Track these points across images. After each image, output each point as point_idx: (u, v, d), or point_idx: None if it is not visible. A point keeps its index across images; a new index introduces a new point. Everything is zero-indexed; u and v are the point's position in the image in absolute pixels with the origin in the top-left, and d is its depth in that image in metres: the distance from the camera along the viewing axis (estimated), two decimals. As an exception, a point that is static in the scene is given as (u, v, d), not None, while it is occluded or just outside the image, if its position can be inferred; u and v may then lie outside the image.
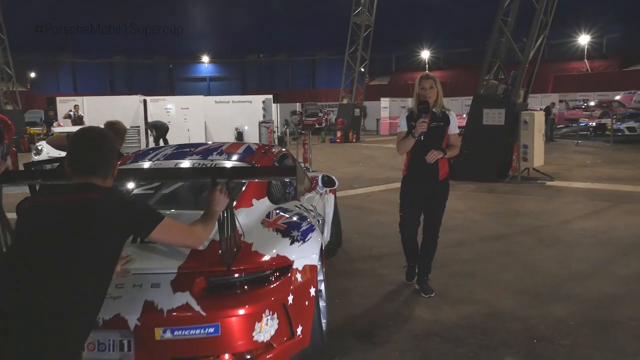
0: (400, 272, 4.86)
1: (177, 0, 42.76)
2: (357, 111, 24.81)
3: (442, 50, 47.18)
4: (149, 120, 19.00)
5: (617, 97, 26.89)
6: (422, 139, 4.14)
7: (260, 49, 52.06)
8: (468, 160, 10.77)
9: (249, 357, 2.71)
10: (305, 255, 3.12)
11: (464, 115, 16.40)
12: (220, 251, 2.73)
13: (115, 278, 2.43)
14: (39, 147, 14.09)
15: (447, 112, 4.29)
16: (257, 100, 22.84)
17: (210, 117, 21.12)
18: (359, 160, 16.07)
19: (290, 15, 43.53)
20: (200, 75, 54.17)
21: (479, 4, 25.72)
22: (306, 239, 3.22)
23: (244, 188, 3.45)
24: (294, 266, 2.99)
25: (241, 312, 2.67)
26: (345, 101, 25.15)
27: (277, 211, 3.47)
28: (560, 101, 28.33)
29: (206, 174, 2.98)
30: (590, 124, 22.69)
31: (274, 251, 2.96)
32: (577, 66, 38.66)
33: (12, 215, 2.61)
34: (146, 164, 3.95)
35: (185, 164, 3.89)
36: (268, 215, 3.35)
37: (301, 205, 3.93)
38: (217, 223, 2.62)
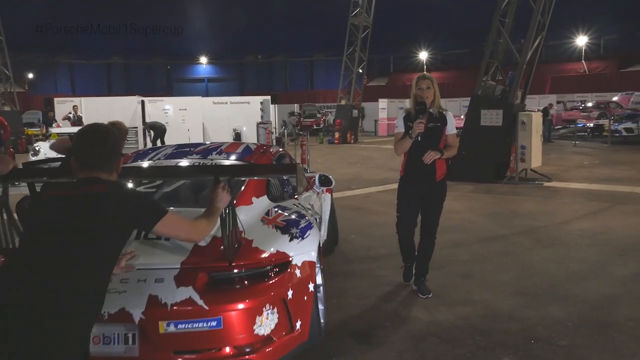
0: (397, 273, 4.86)
1: (175, 1, 42.71)
2: (355, 112, 24.83)
3: (440, 52, 47.22)
4: (147, 121, 18.99)
5: (615, 98, 26.93)
6: (419, 139, 4.14)
7: (258, 50, 52.04)
8: (466, 161, 10.77)
9: (248, 350, 2.77)
10: (304, 251, 3.19)
11: (462, 117, 16.44)
12: (221, 247, 2.79)
13: (120, 273, 2.50)
14: (37, 148, 14.07)
15: (444, 112, 4.28)
16: (255, 101, 22.86)
17: (208, 118, 21.13)
18: (357, 161, 16.08)
19: (288, 16, 43.51)
20: (198, 76, 54.12)
21: (476, 5, 25.77)
22: (305, 236, 3.29)
23: (243, 187, 3.50)
24: (293, 262, 3.06)
25: (243, 306, 2.74)
26: (343, 102, 25.17)
27: (276, 209, 3.54)
28: (558, 102, 28.38)
29: (209, 171, 3.05)
30: (587, 125, 22.73)
31: (274, 248, 3.03)
32: (574, 67, 38.70)
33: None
34: (147, 164, 3.99)
35: (186, 163, 3.94)
36: (267, 213, 3.42)
37: (299, 203, 3.98)
38: (219, 220, 2.67)
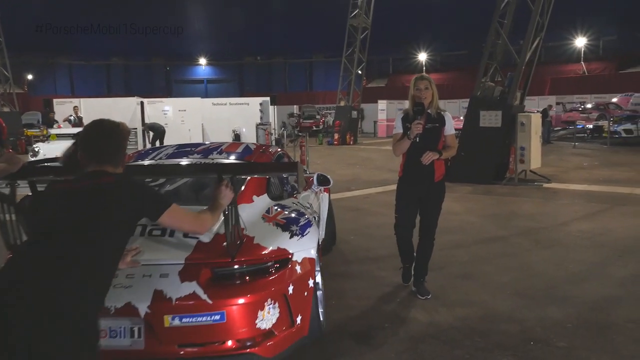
0: (397, 274, 4.85)
1: (174, 2, 42.70)
2: (354, 113, 24.82)
3: (439, 53, 47.22)
4: (146, 122, 19.00)
5: (614, 100, 26.92)
6: (417, 140, 4.14)
7: (257, 51, 52.03)
8: (465, 162, 10.77)
9: (250, 343, 2.84)
10: (303, 248, 3.27)
11: (461, 118, 16.44)
12: (224, 244, 2.89)
13: (126, 268, 2.59)
14: (36, 149, 14.05)
15: (442, 112, 4.28)
16: (255, 102, 22.88)
17: (208, 119, 21.13)
18: (356, 163, 16.08)
19: (287, 17, 43.49)
20: (197, 78, 54.12)
21: (475, 6, 25.77)
22: (304, 234, 3.37)
23: (244, 186, 3.56)
24: (294, 258, 3.14)
25: (245, 300, 2.83)
26: (342, 103, 25.16)
27: (276, 207, 3.62)
28: (557, 103, 28.37)
29: (212, 169, 3.13)
30: (587, 126, 22.72)
31: (275, 244, 3.11)
32: (574, 68, 38.71)
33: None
34: (150, 163, 4.06)
35: (188, 162, 4.00)
36: (268, 211, 3.51)
37: (298, 202, 4.05)
38: (222, 217, 2.75)
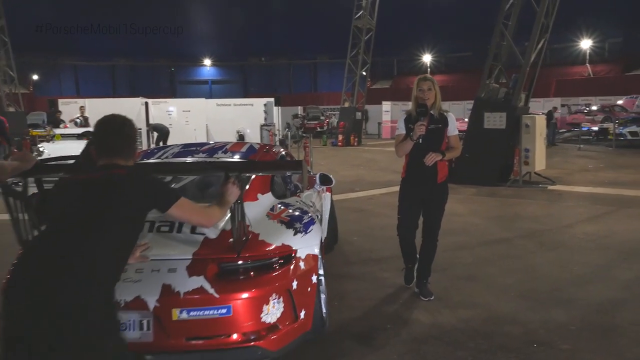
0: (400, 275, 4.83)
1: (179, 3, 42.83)
2: (358, 115, 24.78)
3: (443, 54, 47.21)
4: (151, 122, 19.01)
5: (620, 102, 26.86)
6: (420, 141, 4.12)
7: (262, 52, 52.14)
8: (469, 164, 10.74)
9: (255, 337, 2.91)
10: (307, 245, 3.34)
11: (465, 119, 16.39)
12: (230, 240, 2.98)
13: (135, 263, 2.66)
14: (41, 149, 14.08)
15: (445, 113, 4.26)
16: (259, 103, 22.87)
17: (212, 120, 21.15)
18: (360, 164, 16.06)
19: (292, 18, 43.58)
20: (202, 78, 54.27)
21: (480, 7, 25.72)
22: (308, 231, 3.44)
23: (248, 185, 3.60)
24: (297, 255, 3.21)
25: (251, 295, 2.90)
26: (346, 104, 25.14)
27: (280, 205, 3.70)
28: (563, 105, 28.29)
29: (219, 167, 3.20)
30: (592, 128, 22.65)
31: (279, 241, 3.19)
32: (579, 70, 38.66)
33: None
34: (157, 162, 4.10)
35: (195, 161, 4.06)
36: (272, 209, 3.59)
37: (301, 200, 4.11)
38: (228, 213, 2.83)
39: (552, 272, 5.19)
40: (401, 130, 4.29)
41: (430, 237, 4.44)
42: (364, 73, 24.91)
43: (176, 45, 46.46)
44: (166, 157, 4.19)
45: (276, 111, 22.89)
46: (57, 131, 15.19)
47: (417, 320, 4.04)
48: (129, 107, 19.20)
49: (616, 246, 6.08)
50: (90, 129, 14.60)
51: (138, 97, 22.15)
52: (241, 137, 20.82)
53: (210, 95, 45.52)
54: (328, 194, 5.67)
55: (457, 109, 28.51)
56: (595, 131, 22.25)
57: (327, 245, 5.48)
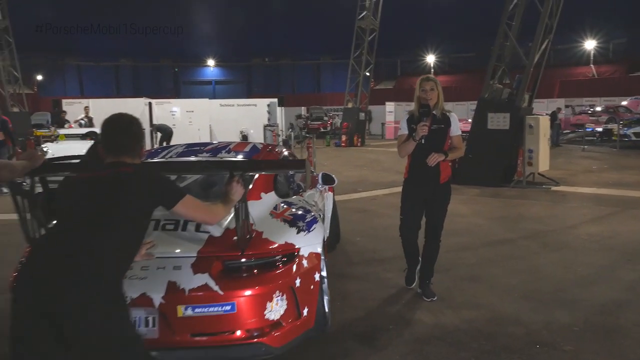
0: (402, 275, 4.81)
1: (182, 4, 42.89)
2: (362, 115, 24.76)
3: (447, 55, 47.12)
4: (154, 123, 19.06)
5: (624, 103, 26.73)
6: (422, 142, 4.11)
7: (265, 52, 52.16)
8: (472, 165, 10.72)
9: (259, 333, 2.95)
10: (310, 243, 3.38)
11: (469, 120, 16.37)
12: (234, 238, 3.02)
13: (140, 261, 2.71)
14: (45, 149, 14.12)
15: (448, 113, 4.25)
16: (262, 103, 22.89)
17: (215, 120, 21.17)
18: (363, 164, 16.05)
19: (295, 19, 43.56)
20: (205, 79, 54.31)
21: (484, 8, 25.68)
22: (310, 229, 3.49)
23: (251, 185, 3.63)
24: (301, 253, 3.26)
25: (255, 292, 2.95)
26: (350, 105, 25.11)
27: (283, 204, 3.76)
28: (567, 106, 28.19)
29: (224, 166, 3.25)
30: (596, 129, 22.57)
31: (283, 239, 3.22)
32: (583, 71, 38.50)
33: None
34: (162, 161, 4.15)
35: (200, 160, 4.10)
36: (275, 208, 3.64)
37: (304, 200, 4.16)
38: (232, 211, 2.87)
39: (555, 273, 5.17)
40: (404, 130, 4.28)
41: (433, 238, 4.43)
42: (368, 73, 24.88)
43: (180, 45, 46.51)
44: (170, 157, 4.22)
45: (279, 111, 22.91)
46: (61, 131, 15.24)
47: (420, 321, 4.03)
48: (133, 108, 19.23)
49: (620, 247, 6.06)
50: (95, 129, 14.68)
51: (142, 97, 22.18)
52: (244, 138, 20.85)
53: (213, 95, 45.60)
54: (330, 193, 5.70)
55: (461, 109, 28.47)
56: (599, 132, 22.17)
57: (330, 244, 5.48)
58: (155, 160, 4.12)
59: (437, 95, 4.17)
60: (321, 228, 3.72)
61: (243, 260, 3.02)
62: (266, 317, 2.97)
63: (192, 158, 4.15)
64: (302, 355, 3.50)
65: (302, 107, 35.55)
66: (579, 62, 39.98)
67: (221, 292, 2.87)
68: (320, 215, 4.15)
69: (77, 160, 3.01)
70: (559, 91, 33.66)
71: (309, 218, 3.63)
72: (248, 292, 2.93)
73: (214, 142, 6.03)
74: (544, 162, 10.93)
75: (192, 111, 21.15)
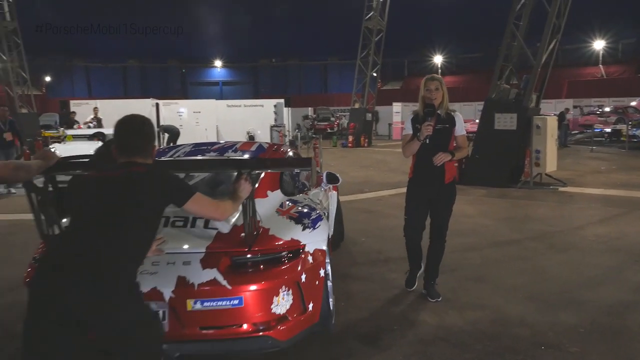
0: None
1: (190, 4, 43.03)
2: (368, 116, 24.72)
3: (454, 55, 46.98)
4: (162, 124, 19.14)
5: (633, 103, 26.52)
6: (427, 142, 4.09)
7: (272, 53, 52.22)
8: (479, 165, 10.68)
9: (265, 327, 3.02)
10: (315, 240, 3.44)
11: (476, 121, 16.29)
12: (242, 234, 3.10)
13: (151, 256, 2.77)
14: (53, 150, 14.20)
15: (452, 113, 4.22)
16: (269, 104, 22.92)
17: (222, 121, 21.24)
18: (370, 165, 16.02)
19: (302, 19, 43.60)
20: (213, 80, 54.46)
21: (491, 8, 25.58)
22: (316, 227, 3.56)
23: (257, 183, 3.68)
24: (306, 249, 3.32)
25: (262, 286, 3.01)
26: (357, 106, 25.07)
27: (289, 202, 3.84)
28: (575, 107, 28.04)
29: (232, 165, 3.35)
30: (605, 130, 22.43)
31: (289, 236, 3.30)
32: (592, 72, 38.28)
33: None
34: (172, 159, 4.23)
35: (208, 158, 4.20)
36: (281, 205, 3.72)
37: (309, 198, 4.24)
38: (240, 208, 2.92)
39: (561, 274, 5.13)
40: (408, 130, 4.26)
41: (438, 238, 4.41)
42: (375, 74, 24.84)
43: (187, 46, 46.71)
44: (178, 156, 4.30)
45: (286, 112, 22.93)
46: (69, 132, 15.33)
47: (424, 322, 4.01)
48: (140, 108, 19.31)
49: (627, 248, 6.01)
50: (103, 130, 14.76)
51: (149, 98, 22.29)
52: (251, 138, 20.90)
53: (221, 96, 45.74)
54: (334, 192, 5.76)
55: (468, 110, 28.37)
56: (608, 133, 22.04)
57: (334, 243, 5.54)
58: (166, 159, 4.20)
59: (442, 95, 4.15)
60: (326, 225, 3.78)
61: (250, 256, 3.09)
62: (273, 311, 3.04)
63: (199, 157, 4.20)
64: (306, 355, 3.49)
65: (309, 108, 35.59)
66: (587, 63, 39.75)
67: (229, 287, 2.94)
68: (324, 213, 4.21)
69: (88, 160, 3.08)
70: (567, 91, 33.48)
71: (314, 216, 3.70)
72: (255, 287, 2.99)
73: (221, 141, 6.08)
74: (551, 162, 10.86)
75: (199, 112, 21.24)
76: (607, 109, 26.59)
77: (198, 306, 2.92)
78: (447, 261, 4.73)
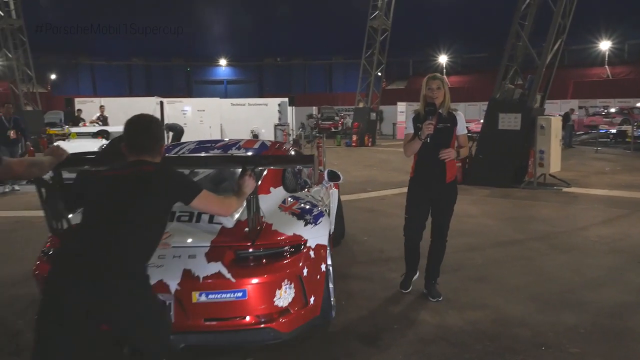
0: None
1: (195, 3, 43.10)
2: (373, 115, 24.70)
3: (459, 55, 46.86)
4: (167, 122, 19.16)
5: (639, 104, 26.42)
6: (428, 141, 4.08)
7: (277, 52, 52.26)
8: (483, 165, 10.65)
9: (268, 319, 3.10)
10: (317, 235, 3.52)
11: (481, 121, 16.24)
12: (246, 229, 3.18)
13: (157, 250, 2.78)
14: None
15: (454, 112, 4.21)
16: (273, 103, 22.93)
17: (227, 120, 21.26)
18: (373, 164, 16.01)
19: (307, 19, 43.62)
20: (217, 78, 54.53)
21: (496, 8, 25.51)
22: (317, 222, 3.64)
23: (260, 180, 3.75)
24: (308, 244, 3.40)
25: (265, 280, 3.09)
26: (361, 105, 25.07)
27: (291, 198, 3.92)
28: (580, 107, 27.94)
29: (237, 161, 3.42)
30: (610, 130, 22.34)
31: (291, 231, 3.37)
32: (597, 72, 38.16)
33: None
34: (178, 156, 4.28)
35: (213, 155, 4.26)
36: (284, 202, 3.80)
37: (311, 195, 4.32)
38: (244, 203, 3.02)
39: (563, 275, 5.12)
40: (410, 129, 4.25)
41: (439, 238, 4.40)
42: (379, 73, 24.82)
43: (192, 45, 46.78)
44: (182, 154, 4.36)
45: (290, 111, 22.93)
46: (73, 129, 15.39)
47: (424, 321, 4.00)
48: (144, 106, 19.29)
49: (630, 249, 5.98)
50: (108, 128, 14.80)
51: (153, 96, 22.34)
52: (255, 137, 20.93)
53: (225, 95, 45.73)
54: (335, 190, 5.82)
55: (473, 110, 28.30)
56: (613, 133, 21.94)
57: (335, 239, 5.58)
58: (172, 155, 4.24)
59: (443, 94, 4.13)
60: (327, 221, 3.86)
61: (254, 250, 3.16)
62: (275, 303, 3.11)
63: (203, 154, 4.25)
64: (306, 354, 3.49)
65: (314, 107, 35.58)
66: (593, 63, 39.63)
67: (233, 280, 3.01)
68: (326, 210, 4.27)
69: (95, 157, 3.15)
70: (572, 92, 33.38)
71: (315, 212, 3.78)
72: (258, 280, 3.07)
73: (225, 139, 6.13)
74: (555, 163, 10.82)
75: (204, 110, 21.27)
76: (613, 110, 26.48)
77: (203, 298, 2.99)
78: (449, 261, 4.71)
